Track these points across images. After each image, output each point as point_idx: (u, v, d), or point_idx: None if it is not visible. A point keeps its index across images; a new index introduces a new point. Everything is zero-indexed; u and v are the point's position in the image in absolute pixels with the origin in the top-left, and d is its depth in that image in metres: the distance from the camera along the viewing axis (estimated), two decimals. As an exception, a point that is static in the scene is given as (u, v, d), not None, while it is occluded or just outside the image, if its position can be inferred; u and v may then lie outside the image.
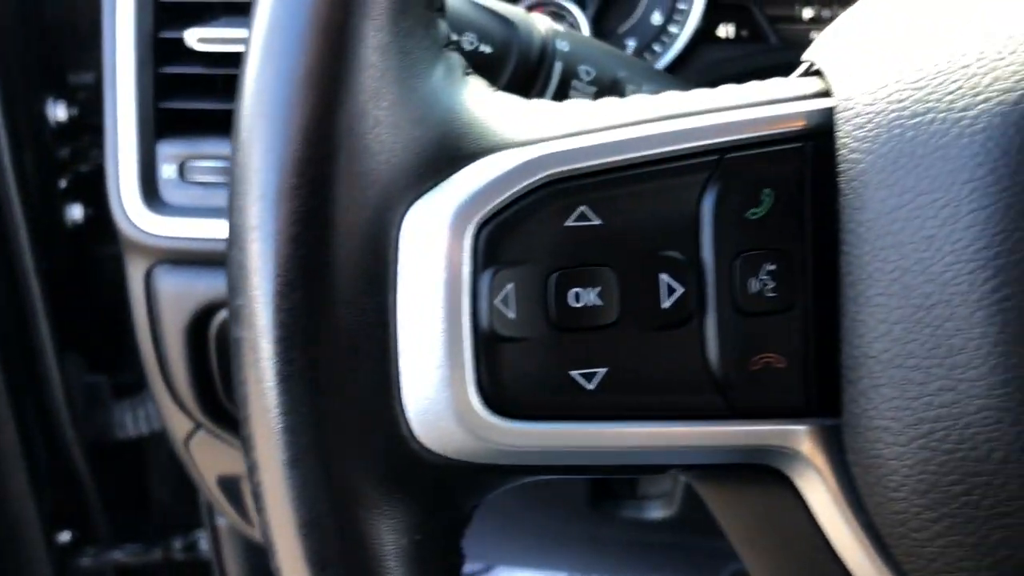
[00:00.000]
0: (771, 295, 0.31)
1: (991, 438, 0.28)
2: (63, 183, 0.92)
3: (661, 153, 0.31)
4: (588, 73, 0.48)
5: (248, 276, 0.29)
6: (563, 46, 0.47)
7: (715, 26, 0.73)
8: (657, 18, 0.73)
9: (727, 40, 0.74)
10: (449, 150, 0.31)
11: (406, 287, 0.30)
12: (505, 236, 0.30)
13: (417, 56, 0.30)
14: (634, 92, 0.48)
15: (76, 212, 0.93)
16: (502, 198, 0.30)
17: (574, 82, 0.47)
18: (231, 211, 0.30)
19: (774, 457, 0.33)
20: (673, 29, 0.72)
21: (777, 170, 0.31)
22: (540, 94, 0.47)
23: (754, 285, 0.31)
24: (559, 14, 0.73)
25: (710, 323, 0.31)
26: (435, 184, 0.30)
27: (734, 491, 0.36)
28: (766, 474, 0.33)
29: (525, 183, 0.30)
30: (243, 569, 0.96)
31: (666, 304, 0.31)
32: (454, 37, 0.45)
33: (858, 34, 0.33)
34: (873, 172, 0.30)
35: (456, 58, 0.33)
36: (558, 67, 0.47)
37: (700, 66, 0.73)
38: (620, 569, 0.86)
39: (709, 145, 0.31)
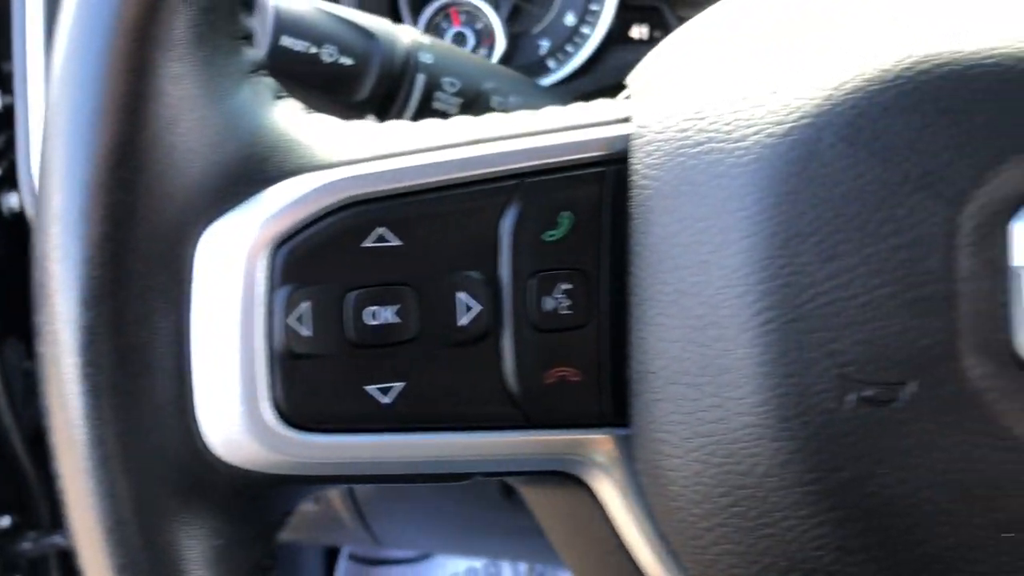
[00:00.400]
0: (566, 312, 0.32)
1: (754, 453, 0.29)
2: (-1, 171, 0.93)
3: (462, 178, 0.32)
4: (453, 85, 0.48)
5: (48, 295, 0.30)
6: (426, 58, 0.48)
7: (628, 27, 0.74)
8: (570, 19, 0.73)
9: (640, 41, 0.74)
10: (251, 172, 0.31)
11: (201, 306, 0.31)
12: (302, 256, 0.31)
13: (216, 83, 0.31)
14: (501, 103, 0.49)
15: (13, 200, 0.93)
16: (300, 219, 0.31)
17: (438, 94, 0.48)
18: (35, 232, 0.31)
19: (573, 465, 0.34)
20: (586, 30, 0.73)
21: (576, 194, 0.32)
22: (403, 106, 0.48)
23: (549, 303, 0.32)
24: (473, 15, 0.73)
25: (506, 339, 0.32)
26: (234, 205, 0.31)
27: (545, 496, 0.38)
28: (568, 480, 0.34)
29: (323, 205, 0.31)
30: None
31: (463, 321, 0.32)
32: (313, 50, 0.46)
33: (666, 60, 0.34)
34: (659, 198, 0.31)
35: (267, 82, 0.33)
36: (420, 79, 0.47)
37: (614, 67, 0.74)
38: (534, 554, 0.88)
39: (509, 170, 0.32)
